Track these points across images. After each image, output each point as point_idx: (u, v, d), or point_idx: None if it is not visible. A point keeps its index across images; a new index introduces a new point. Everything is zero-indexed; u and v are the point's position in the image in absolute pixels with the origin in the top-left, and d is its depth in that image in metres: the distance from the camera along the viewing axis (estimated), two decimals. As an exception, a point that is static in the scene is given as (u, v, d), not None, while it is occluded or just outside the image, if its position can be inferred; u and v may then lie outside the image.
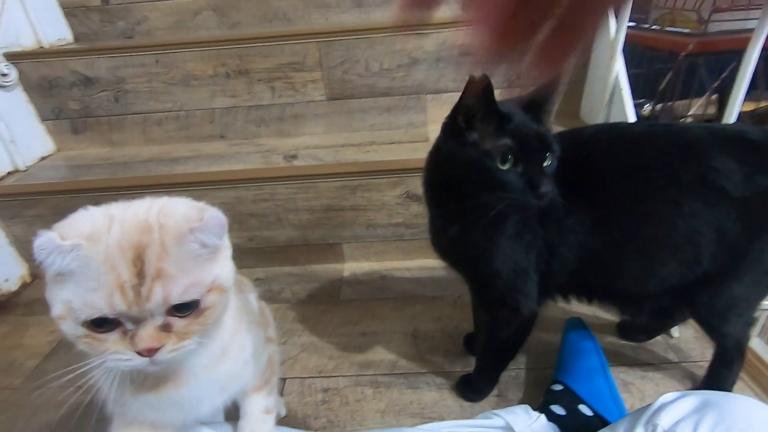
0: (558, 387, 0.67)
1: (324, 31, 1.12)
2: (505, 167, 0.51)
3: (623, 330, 0.84)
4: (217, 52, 1.15)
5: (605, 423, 0.60)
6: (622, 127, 0.70)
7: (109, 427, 0.42)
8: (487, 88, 0.49)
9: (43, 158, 1.23)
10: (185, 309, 0.33)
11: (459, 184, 0.57)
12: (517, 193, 0.51)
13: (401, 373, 0.82)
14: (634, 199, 0.58)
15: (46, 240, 0.30)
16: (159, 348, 0.32)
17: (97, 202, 1.11)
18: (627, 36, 0.98)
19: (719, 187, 0.54)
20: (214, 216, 0.33)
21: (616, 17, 0.98)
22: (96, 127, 1.26)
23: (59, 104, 1.22)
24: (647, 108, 1.35)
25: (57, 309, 0.31)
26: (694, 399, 0.45)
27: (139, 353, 0.31)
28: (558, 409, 0.63)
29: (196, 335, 0.34)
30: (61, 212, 1.17)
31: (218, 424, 0.48)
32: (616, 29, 0.99)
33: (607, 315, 0.89)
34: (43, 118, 1.23)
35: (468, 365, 0.80)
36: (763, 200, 0.54)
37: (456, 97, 0.54)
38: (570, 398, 0.64)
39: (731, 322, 0.63)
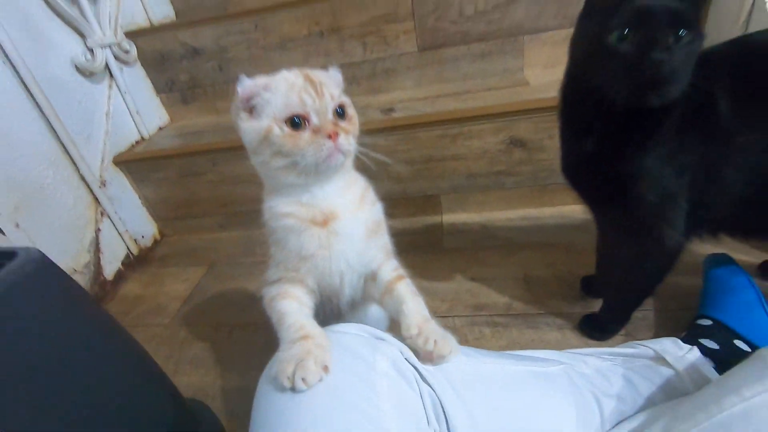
0: (706, 322, 0.62)
1: (416, -22, 1.10)
2: (618, 42, 0.47)
3: (766, 270, 0.76)
4: (311, 10, 1.17)
5: (769, 359, 0.55)
6: None
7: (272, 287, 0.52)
8: None
9: (161, 128, 1.36)
10: (340, 116, 0.46)
11: (584, 76, 0.53)
12: (625, 63, 0.47)
13: (518, 314, 0.81)
14: None
15: (249, 82, 0.44)
16: (337, 134, 0.43)
17: (214, 163, 1.20)
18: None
19: None
20: (336, 71, 0.51)
21: None
22: (202, 96, 1.35)
23: (171, 77, 1.32)
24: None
25: (265, 123, 0.44)
26: None
27: (329, 137, 0.43)
28: (710, 343, 0.58)
29: (352, 135, 0.46)
30: (183, 174, 1.30)
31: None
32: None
33: (744, 256, 0.81)
34: (159, 91, 1.35)
35: (588, 308, 0.78)
36: None
37: (557, 34, 0.52)
38: (724, 333, 0.59)
39: None
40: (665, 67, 0.45)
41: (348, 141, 0.45)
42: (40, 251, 0.37)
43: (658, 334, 0.73)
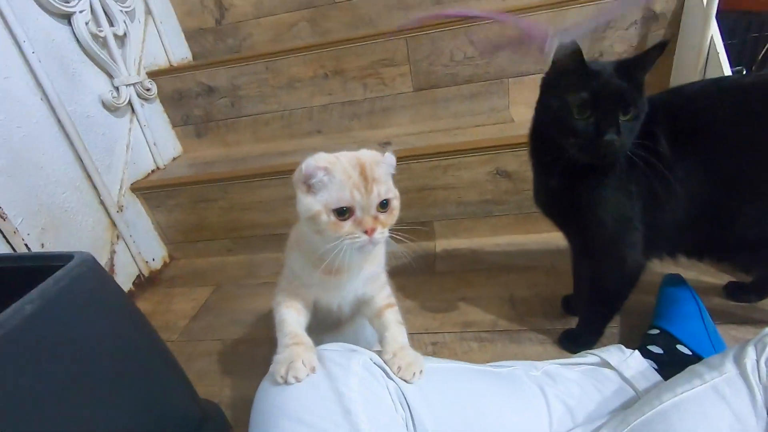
0: (655, 331, 0.70)
1: (411, 27, 1.23)
2: (579, 117, 0.58)
3: (732, 291, 0.84)
4: (317, 55, 1.29)
5: (702, 361, 0.62)
6: (732, 79, 0.71)
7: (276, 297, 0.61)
8: (576, 49, 0.58)
9: (174, 158, 1.46)
10: (383, 207, 0.50)
11: (549, 133, 0.64)
12: (585, 139, 0.58)
13: (503, 330, 0.88)
14: (750, 146, 0.59)
15: (312, 163, 0.48)
16: (374, 230, 0.49)
17: (225, 192, 1.30)
18: (720, 1, 0.97)
19: None
20: (391, 155, 0.53)
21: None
22: (215, 130, 1.47)
23: (186, 112, 1.44)
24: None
25: (316, 207, 0.49)
26: None
27: (365, 232, 0.49)
28: (656, 349, 0.66)
29: (387, 227, 0.51)
30: (195, 201, 1.42)
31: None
32: (708, -5, 0.98)
33: (711, 278, 0.89)
34: (174, 125, 1.46)
35: (568, 324, 0.85)
36: None
37: (537, 78, 0.64)
38: (667, 339, 0.67)
39: None
40: (616, 145, 0.57)
41: (382, 234, 0.50)
42: (92, 255, 0.45)
43: (627, 347, 0.79)
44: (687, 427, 0.47)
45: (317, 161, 0.48)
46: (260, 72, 1.34)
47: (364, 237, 0.49)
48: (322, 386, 0.48)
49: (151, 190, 1.29)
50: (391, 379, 0.53)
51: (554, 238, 1.12)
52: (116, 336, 0.45)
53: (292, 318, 0.58)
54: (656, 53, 0.57)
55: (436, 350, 0.87)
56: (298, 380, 0.47)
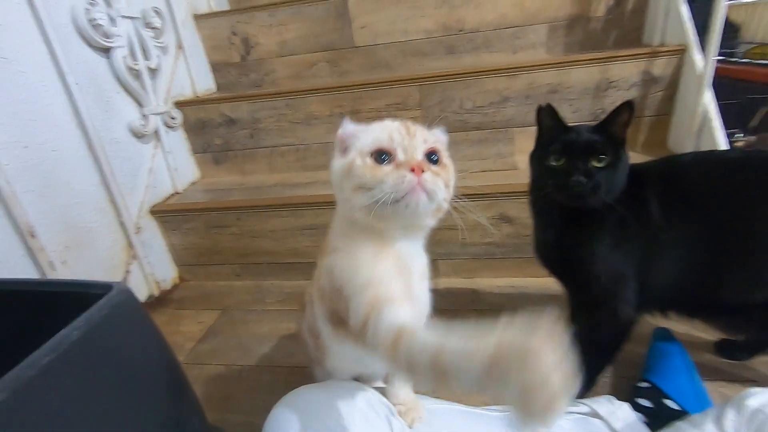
0: (644, 384, 0.73)
1: (425, 76, 1.31)
2: (555, 163, 0.67)
3: (722, 348, 0.86)
4: (334, 96, 1.37)
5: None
6: (719, 153, 0.78)
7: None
8: (552, 110, 0.68)
9: (193, 183, 1.53)
10: (433, 159, 0.46)
11: (537, 180, 0.72)
12: (557, 180, 0.66)
13: (499, 373, 0.91)
14: (735, 216, 0.64)
15: (351, 126, 0.48)
16: (422, 172, 0.41)
17: (239, 219, 1.36)
18: (716, 69, 1.04)
19: None
20: (442, 130, 0.52)
21: (704, 50, 1.05)
22: (232, 158, 1.54)
23: (207, 140, 1.52)
24: (740, 139, 1.35)
25: (351, 155, 0.45)
26: None
27: (412, 170, 0.41)
28: (644, 402, 0.69)
29: (441, 181, 0.44)
30: (209, 226, 1.48)
31: None
32: (704, 63, 1.06)
33: (704, 334, 0.92)
34: (194, 152, 1.54)
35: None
36: None
37: None
38: (655, 393, 0.71)
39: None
40: (583, 186, 0.63)
41: (435, 182, 0.42)
42: (129, 287, 0.49)
43: (618, 396, 0.82)
44: (669, 481, 0.50)
45: (350, 125, 0.46)
46: (280, 107, 1.42)
47: (411, 176, 0.40)
48: (327, 421, 0.52)
49: (169, 214, 1.35)
50: (396, 418, 0.57)
51: (551, 283, 1.16)
52: (147, 361, 0.49)
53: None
54: (625, 110, 0.64)
55: (435, 389, 0.89)
56: None
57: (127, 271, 1.24)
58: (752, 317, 0.71)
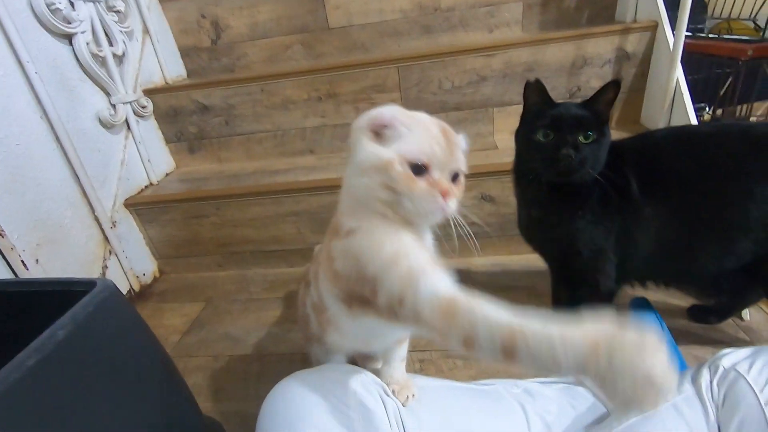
0: None
1: (403, 57, 1.29)
2: (544, 138, 0.67)
3: (694, 313, 0.91)
4: (310, 79, 1.35)
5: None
6: (692, 128, 0.80)
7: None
8: (540, 86, 0.68)
9: (168, 174, 1.48)
10: (455, 177, 0.45)
11: (523, 157, 0.72)
12: (546, 154, 0.67)
13: (486, 348, 0.93)
14: (708, 190, 0.67)
15: (392, 112, 0.42)
16: (448, 198, 0.42)
17: (218, 208, 1.33)
18: (685, 45, 1.06)
19: None
20: (464, 137, 0.49)
21: (674, 30, 1.08)
22: (208, 147, 1.50)
23: (181, 129, 1.47)
24: (708, 112, 1.40)
25: (389, 154, 0.41)
26: (751, 348, 0.54)
27: (442, 194, 0.42)
28: None
29: (458, 199, 0.45)
30: (187, 216, 1.45)
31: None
32: (674, 39, 1.08)
33: (676, 300, 0.97)
34: (168, 141, 1.49)
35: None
36: None
37: (520, 108, 0.73)
38: None
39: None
40: (572, 159, 0.64)
41: (454, 205, 0.44)
42: (113, 282, 0.48)
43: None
44: (649, 440, 0.53)
45: (393, 110, 0.42)
46: (255, 93, 1.39)
47: (441, 200, 0.42)
48: (324, 405, 0.52)
49: (145, 206, 1.31)
50: (390, 397, 0.58)
51: (535, 259, 1.19)
52: (136, 356, 0.48)
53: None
54: (611, 89, 0.66)
55: (423, 367, 0.91)
56: None
57: (105, 267, 1.21)
58: (722, 284, 0.75)
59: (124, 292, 1.27)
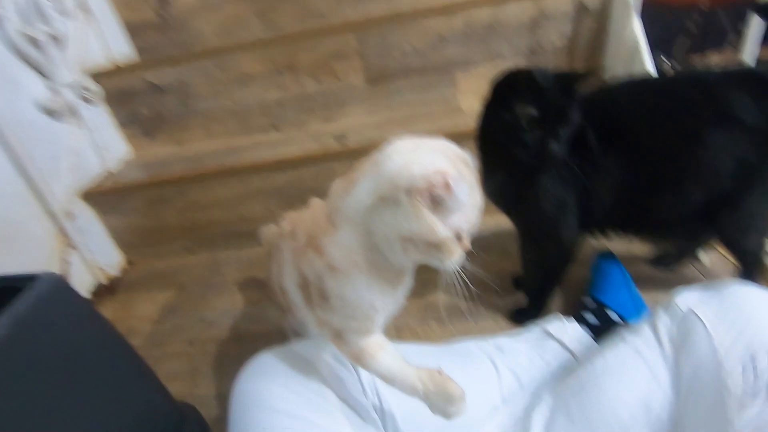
0: (588, 300, 0.80)
1: (361, 21, 1.25)
2: (528, 130, 0.65)
3: (655, 260, 0.94)
4: (267, 51, 1.29)
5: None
6: (647, 79, 0.80)
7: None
8: (529, 72, 0.65)
9: (125, 161, 1.41)
10: None
11: (498, 139, 0.69)
12: (533, 149, 0.65)
13: (459, 309, 0.95)
14: (662, 139, 0.67)
15: (454, 176, 0.37)
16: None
17: (181, 192, 1.29)
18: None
19: (737, 119, 0.63)
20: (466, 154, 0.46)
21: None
22: (165, 130, 1.43)
23: (134, 112, 1.40)
24: (666, 62, 1.41)
25: (446, 234, 0.39)
26: (703, 287, 0.56)
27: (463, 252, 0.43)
28: (589, 316, 0.76)
29: None
30: (151, 203, 1.40)
31: None
32: (631, -9, 1.07)
33: (638, 249, 1.00)
34: (122, 126, 1.41)
35: (518, 300, 0.93)
36: None
37: (483, 68, 0.68)
38: (599, 307, 0.77)
39: (750, 238, 0.73)
40: (558, 152, 0.64)
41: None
42: (58, 274, 0.46)
43: (566, 314, 0.89)
44: (613, 383, 0.55)
45: (449, 173, 0.36)
46: (209, 68, 1.32)
47: (462, 256, 0.42)
48: (295, 378, 0.52)
49: (103, 196, 1.25)
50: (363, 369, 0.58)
51: (504, 221, 1.21)
52: (87, 348, 0.47)
53: (396, 358, 0.50)
54: (588, 77, 0.65)
55: (399, 334, 0.92)
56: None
57: (67, 262, 1.16)
58: (678, 230, 0.77)
59: (92, 287, 1.23)
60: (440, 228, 0.38)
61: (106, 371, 0.51)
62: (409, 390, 0.48)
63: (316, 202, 0.57)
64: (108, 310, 1.19)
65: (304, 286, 0.49)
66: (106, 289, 1.26)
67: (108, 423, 0.48)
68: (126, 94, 1.36)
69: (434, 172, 0.36)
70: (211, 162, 1.28)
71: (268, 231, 0.69)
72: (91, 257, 1.22)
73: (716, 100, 0.64)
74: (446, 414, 0.47)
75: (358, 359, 0.49)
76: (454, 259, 0.41)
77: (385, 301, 0.47)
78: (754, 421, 0.43)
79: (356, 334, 0.48)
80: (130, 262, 1.36)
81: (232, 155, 1.30)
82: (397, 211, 0.38)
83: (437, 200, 0.37)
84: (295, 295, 0.53)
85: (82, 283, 1.20)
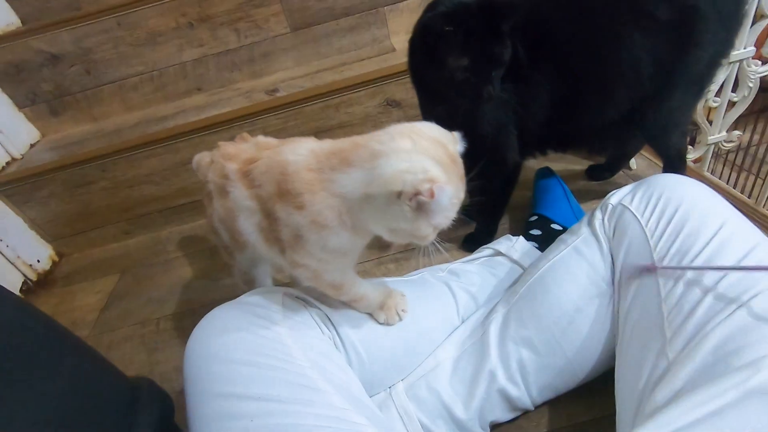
0: (533, 217, 0.83)
1: None
2: (461, 78, 0.64)
3: (591, 173, 0.99)
4: (174, 2, 1.16)
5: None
6: None
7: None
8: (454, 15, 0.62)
9: (33, 145, 1.27)
10: None
11: (429, 78, 0.70)
12: (466, 94, 0.66)
13: (414, 248, 0.95)
14: (585, 44, 0.68)
15: (447, 191, 0.39)
16: None
17: (104, 170, 1.19)
18: None
19: (650, 14, 0.64)
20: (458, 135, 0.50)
21: None
22: (74, 105, 1.29)
23: (32, 89, 1.24)
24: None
25: (426, 230, 0.44)
26: (632, 184, 0.59)
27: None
28: (535, 231, 0.78)
29: None
30: (71, 187, 1.27)
31: None
32: None
33: (576, 165, 1.04)
34: (21, 106, 1.25)
35: (469, 230, 0.95)
36: (684, 19, 0.64)
37: (412, 3, 0.66)
38: (543, 221, 0.80)
39: (672, 133, 0.77)
40: (492, 94, 0.64)
41: None
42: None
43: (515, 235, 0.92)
44: (557, 282, 0.58)
45: (438, 181, 0.39)
46: (112, 29, 1.18)
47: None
48: (249, 329, 0.50)
49: (12, 185, 1.13)
50: (314, 306, 0.57)
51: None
52: (20, 344, 0.42)
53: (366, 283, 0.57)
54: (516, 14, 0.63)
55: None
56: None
57: (-16, 262, 1.05)
58: (608, 137, 0.80)
59: (18, 285, 1.12)
60: (424, 228, 0.43)
61: (46, 362, 0.46)
62: (375, 306, 0.57)
63: (261, 140, 0.58)
64: (46, 306, 1.10)
65: (268, 228, 0.50)
66: (37, 285, 1.16)
67: (54, 411, 0.45)
68: (19, 69, 1.20)
69: (423, 180, 0.39)
70: (132, 134, 1.17)
71: (202, 160, 0.66)
72: (12, 253, 1.11)
73: None
74: (390, 321, 0.58)
75: (337, 289, 0.53)
76: (429, 241, 0.47)
77: (357, 249, 0.52)
78: (681, 300, 0.45)
79: (333, 273, 0.52)
80: (61, 254, 1.25)
81: (155, 124, 1.19)
82: (386, 208, 0.42)
83: (423, 206, 0.40)
84: (253, 236, 0.54)
85: (9, 283, 1.09)
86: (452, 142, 0.46)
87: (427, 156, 0.41)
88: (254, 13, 1.21)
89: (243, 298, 0.56)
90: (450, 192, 0.40)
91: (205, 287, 1.01)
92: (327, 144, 0.48)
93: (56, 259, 1.24)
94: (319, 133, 1.15)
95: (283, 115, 1.11)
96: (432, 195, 0.38)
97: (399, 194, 0.40)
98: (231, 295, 0.58)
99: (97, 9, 1.17)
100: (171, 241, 1.21)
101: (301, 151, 0.47)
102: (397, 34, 1.29)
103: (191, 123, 1.13)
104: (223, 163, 0.55)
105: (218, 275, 1.03)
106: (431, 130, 0.45)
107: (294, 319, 0.53)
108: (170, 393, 0.75)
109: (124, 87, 1.27)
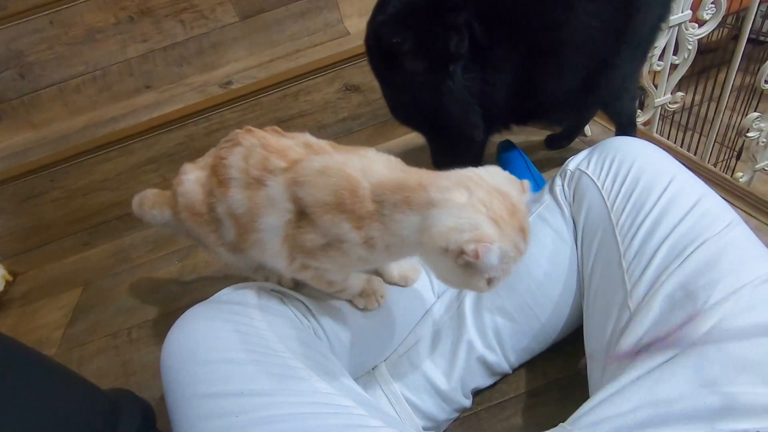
0: None
1: None
2: (419, 77, 0.66)
3: (549, 142, 1.02)
4: (110, -4, 1.10)
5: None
6: None
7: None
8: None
9: (-31, 159, 1.18)
10: None
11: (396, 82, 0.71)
12: (430, 89, 0.67)
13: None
14: (541, 17, 0.69)
15: (495, 251, 0.36)
16: None
17: (53, 180, 1.12)
18: None
19: None
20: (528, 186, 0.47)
21: None
22: (11, 112, 1.20)
23: (-40, 98, 1.15)
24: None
25: (478, 284, 0.40)
26: (588, 149, 0.62)
27: None
28: None
29: None
30: (20, 200, 1.20)
31: None
32: None
33: (536, 137, 1.07)
34: (-51, 118, 1.16)
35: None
36: None
37: None
38: None
39: (623, 99, 0.80)
40: (452, 87, 0.65)
41: None
42: None
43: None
44: (526, 250, 0.60)
45: (487, 240, 0.36)
46: (44, 28, 1.10)
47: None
48: (225, 327, 0.50)
49: (-49, 204, 1.05)
50: (292, 297, 0.56)
51: (412, 138, 1.23)
52: None
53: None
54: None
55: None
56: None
57: (-71, 288, 0.98)
58: (568, 107, 0.83)
59: (-28, 308, 1.06)
60: (476, 282, 0.40)
61: (11, 386, 0.44)
62: (356, 293, 0.57)
63: (312, 141, 0.57)
64: (4, 327, 1.04)
65: (293, 231, 0.49)
66: (-7, 308, 1.09)
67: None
68: (-59, 77, 1.11)
69: (470, 241, 0.36)
70: (81, 139, 1.11)
71: (145, 200, 0.70)
72: (-39, 277, 1.04)
73: None
74: (369, 306, 0.58)
75: (331, 285, 0.54)
76: (487, 291, 0.43)
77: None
78: (638, 253, 0.48)
79: (338, 275, 0.53)
80: (14, 273, 1.18)
81: (104, 127, 1.13)
82: (437, 260, 0.41)
83: (471, 264, 0.38)
84: (269, 235, 0.51)
85: (-40, 308, 1.03)
86: (516, 190, 0.42)
87: (479, 211, 0.38)
88: (198, 3, 1.15)
89: (217, 296, 0.55)
90: (500, 251, 0.37)
91: (176, 291, 0.99)
92: (395, 174, 0.46)
93: (10, 278, 1.17)
94: (280, 124, 1.12)
95: (240, 108, 1.08)
96: (477, 256, 0.36)
97: (445, 251, 0.38)
98: (203, 296, 0.57)
99: (25, 7, 1.09)
100: (135, 247, 1.17)
101: (373, 177, 0.44)
102: (350, 17, 1.27)
103: (144, 122, 1.08)
104: (266, 155, 0.51)
105: (190, 277, 1.01)
106: (494, 177, 0.42)
107: (271, 312, 0.53)
108: (150, 400, 0.74)
109: (66, 90, 1.20)
